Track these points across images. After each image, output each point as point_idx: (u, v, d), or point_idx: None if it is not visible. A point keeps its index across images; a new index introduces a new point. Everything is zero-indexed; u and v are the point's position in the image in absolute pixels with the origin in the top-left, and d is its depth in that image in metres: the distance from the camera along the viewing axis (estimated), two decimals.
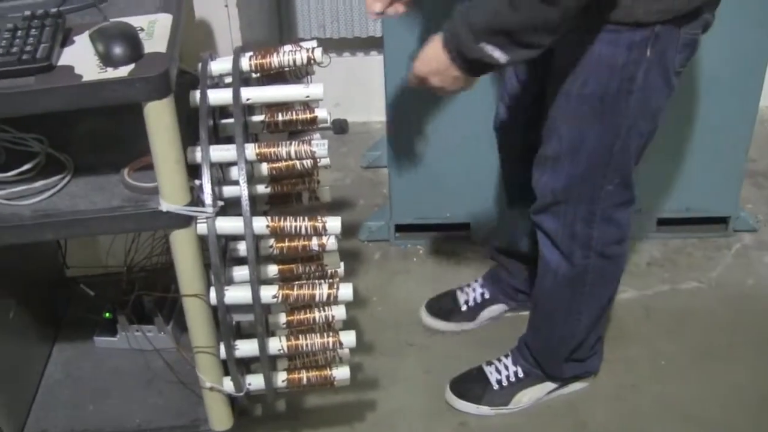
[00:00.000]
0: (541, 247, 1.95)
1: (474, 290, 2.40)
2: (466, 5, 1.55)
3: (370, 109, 3.08)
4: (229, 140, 1.56)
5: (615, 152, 1.71)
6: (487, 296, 2.39)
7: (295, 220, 1.54)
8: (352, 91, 3.07)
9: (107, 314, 2.01)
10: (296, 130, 1.64)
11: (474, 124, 2.38)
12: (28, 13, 1.45)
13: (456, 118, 2.41)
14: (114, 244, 1.95)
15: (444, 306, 2.41)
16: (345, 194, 2.85)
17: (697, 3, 1.57)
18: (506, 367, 2.18)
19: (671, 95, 1.70)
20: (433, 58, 1.61)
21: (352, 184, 2.92)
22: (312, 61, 1.57)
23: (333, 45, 3.00)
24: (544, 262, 1.95)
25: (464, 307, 2.38)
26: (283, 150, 1.53)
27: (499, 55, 1.51)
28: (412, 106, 2.40)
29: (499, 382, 2.16)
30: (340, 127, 3.11)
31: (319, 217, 1.55)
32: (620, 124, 1.67)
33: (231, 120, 1.58)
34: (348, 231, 2.55)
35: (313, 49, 1.57)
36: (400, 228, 2.65)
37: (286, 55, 1.57)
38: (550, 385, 2.17)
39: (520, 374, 2.17)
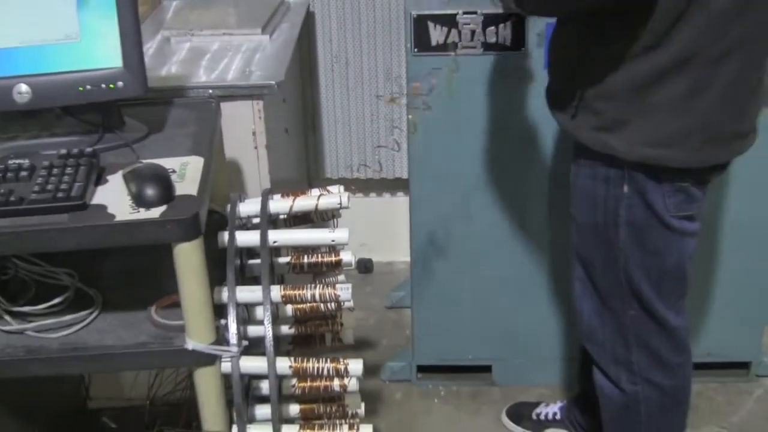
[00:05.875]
0: (594, 376, 1.96)
1: (550, 407, 2.43)
2: None
3: (395, 249, 3.08)
4: (255, 280, 1.60)
5: (622, 280, 1.75)
6: (558, 417, 2.40)
7: (318, 362, 1.56)
8: (377, 231, 3.09)
9: None
10: (321, 272, 1.66)
11: (498, 267, 2.41)
12: (63, 151, 1.51)
13: (479, 262, 2.44)
14: (138, 377, 1.96)
15: (522, 411, 2.45)
16: (368, 334, 2.85)
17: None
18: None
19: (685, 238, 1.73)
20: None
21: (375, 324, 2.93)
22: (338, 206, 1.62)
23: (360, 186, 3.07)
24: (599, 390, 1.96)
25: (534, 417, 2.41)
26: (307, 293, 1.55)
27: None
28: (435, 248, 2.42)
29: None
30: (364, 266, 3.14)
31: (341, 360, 1.57)
32: (617, 256, 1.72)
33: (257, 261, 1.61)
34: (370, 371, 2.54)
35: (340, 195, 1.62)
36: (422, 369, 2.65)
37: (313, 200, 1.61)
38: None
39: None
